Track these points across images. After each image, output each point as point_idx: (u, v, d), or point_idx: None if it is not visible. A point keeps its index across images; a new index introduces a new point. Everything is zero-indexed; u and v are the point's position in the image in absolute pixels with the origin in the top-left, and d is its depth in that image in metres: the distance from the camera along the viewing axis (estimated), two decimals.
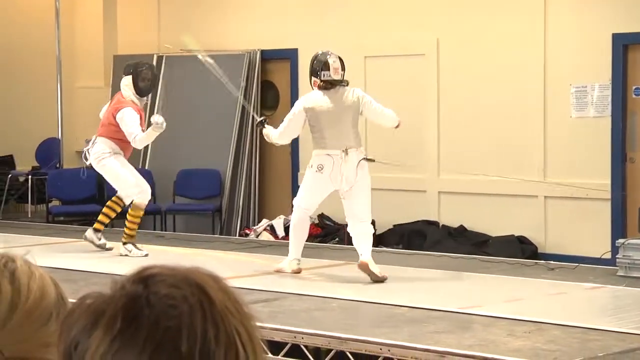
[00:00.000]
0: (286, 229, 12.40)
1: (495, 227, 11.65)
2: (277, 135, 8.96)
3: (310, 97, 8.73)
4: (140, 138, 9.86)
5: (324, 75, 8.65)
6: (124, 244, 9.94)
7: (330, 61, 8.68)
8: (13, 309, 1.39)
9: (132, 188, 9.96)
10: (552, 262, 9.78)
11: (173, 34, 14.04)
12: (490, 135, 11.71)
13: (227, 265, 9.11)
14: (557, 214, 11.39)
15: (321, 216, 12.53)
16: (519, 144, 11.53)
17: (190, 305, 1.18)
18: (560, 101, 11.26)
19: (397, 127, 8.93)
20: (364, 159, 8.61)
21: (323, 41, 12.76)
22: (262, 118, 9.42)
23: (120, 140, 9.94)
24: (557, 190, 11.24)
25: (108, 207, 10.21)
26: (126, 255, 9.86)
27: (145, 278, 1.21)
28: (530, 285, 8.44)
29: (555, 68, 11.30)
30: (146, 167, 13.78)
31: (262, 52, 13.34)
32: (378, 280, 8.38)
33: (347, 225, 11.94)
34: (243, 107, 13.01)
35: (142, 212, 10.07)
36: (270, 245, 11.13)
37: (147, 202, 10.08)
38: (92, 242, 10.21)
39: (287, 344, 6.63)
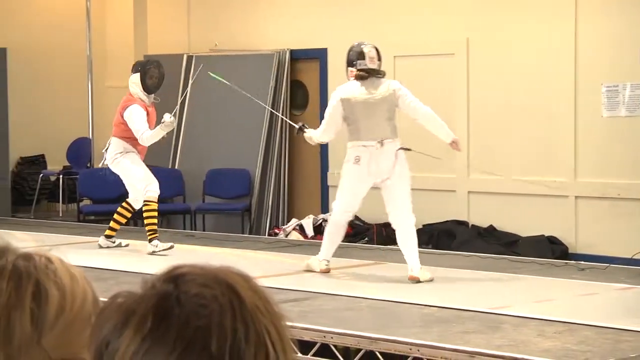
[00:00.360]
0: (315, 228, 12.43)
1: (525, 227, 11.59)
2: (319, 133, 8.91)
3: (346, 87, 8.66)
4: (147, 135, 9.95)
5: (359, 64, 8.57)
6: (150, 240, 10.05)
7: (365, 50, 8.63)
8: (60, 313, 1.39)
9: (140, 183, 10.09)
10: (582, 262, 9.73)
11: (203, 34, 14.11)
12: (521, 135, 11.66)
13: (257, 265, 9.12)
14: (588, 214, 11.32)
15: None
16: (550, 144, 11.47)
17: (220, 304, 1.18)
18: (591, 100, 11.19)
19: (451, 144, 8.78)
20: (400, 148, 8.52)
21: (352, 40, 12.67)
22: (299, 125, 9.29)
23: (131, 138, 10.05)
24: (588, 190, 11.19)
25: (118, 213, 10.39)
26: (153, 251, 9.95)
27: (175, 277, 1.21)
28: (561, 285, 8.39)
29: (586, 67, 11.24)
30: (176, 167, 13.84)
31: (292, 51, 13.33)
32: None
33: (376, 224, 12.11)
34: (273, 107, 13.01)
35: (155, 206, 10.14)
36: (300, 245, 11.12)
37: (156, 197, 10.11)
38: (107, 247, 10.39)
39: (316, 343, 6.63)
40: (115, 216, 10.42)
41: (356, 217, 12.46)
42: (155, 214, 10.18)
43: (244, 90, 10.36)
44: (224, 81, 10.52)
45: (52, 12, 14.87)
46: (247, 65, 13.00)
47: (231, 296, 1.19)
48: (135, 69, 10.25)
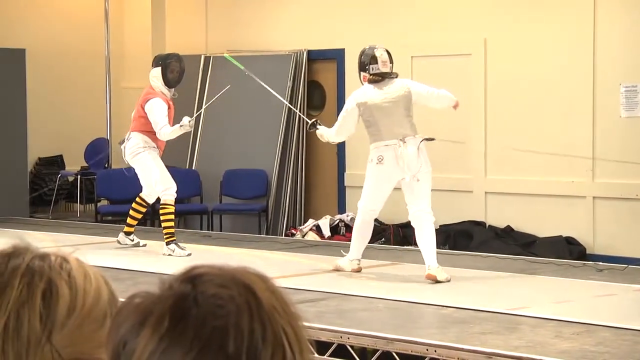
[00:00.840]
0: (332, 229, 12.44)
1: (542, 227, 11.56)
2: (333, 133, 8.99)
3: (361, 91, 8.75)
4: (165, 131, 9.88)
5: (372, 69, 8.67)
6: (167, 244, 9.98)
7: (377, 54, 8.73)
8: (71, 312, 1.38)
9: (157, 185, 10.04)
10: (600, 263, 9.68)
11: (221, 35, 14.13)
12: (538, 135, 11.62)
13: (274, 265, 9.12)
14: (606, 214, 11.28)
15: None
16: (568, 144, 11.43)
17: (237, 305, 1.18)
18: (609, 101, 11.15)
19: (455, 107, 8.90)
20: (424, 139, 8.60)
21: (369, 41, 12.66)
22: (313, 120, 9.41)
23: (151, 132, 9.99)
24: (606, 190, 11.15)
25: (133, 209, 10.39)
26: (169, 255, 9.90)
27: (193, 278, 1.21)
28: (579, 286, 8.36)
29: (604, 67, 11.20)
30: (193, 167, 13.86)
31: (309, 52, 13.34)
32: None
33: (393, 225, 12.11)
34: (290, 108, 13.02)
35: (172, 209, 10.09)
36: (316, 246, 11.11)
37: (173, 199, 10.08)
38: (125, 244, 10.42)
39: (333, 344, 6.63)
40: (131, 212, 10.44)
41: None
42: (172, 217, 10.12)
43: (262, 82, 10.35)
44: (242, 67, 10.52)
45: (70, 13, 14.92)
46: (264, 66, 12.99)
47: (248, 296, 1.19)
48: (155, 63, 10.18)
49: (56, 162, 14.94)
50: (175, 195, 10.11)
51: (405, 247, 11.23)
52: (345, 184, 13.10)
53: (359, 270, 8.85)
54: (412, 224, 8.75)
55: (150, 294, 1.22)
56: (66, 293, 1.38)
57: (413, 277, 8.58)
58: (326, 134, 9.04)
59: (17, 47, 13.71)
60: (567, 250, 11.07)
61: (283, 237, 12.60)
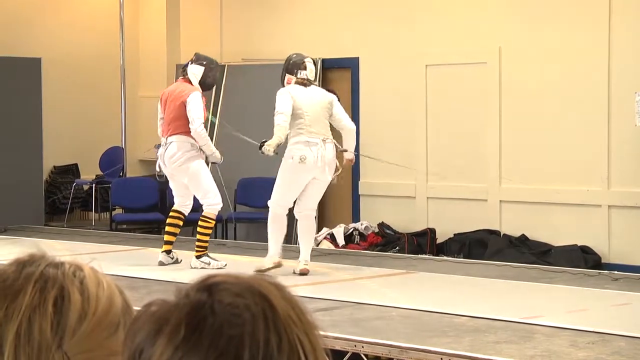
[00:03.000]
0: (346, 237, 12.40)
1: (557, 236, 11.52)
2: (281, 132, 9.00)
3: (292, 87, 9.17)
4: (203, 130, 9.21)
5: (300, 74, 9.17)
6: (199, 257, 9.49)
7: (307, 62, 9.24)
8: (82, 318, 1.38)
9: (208, 195, 9.43)
10: (616, 272, 9.62)
11: (235, 44, 14.12)
12: (553, 143, 11.59)
13: (287, 274, 9.05)
14: (621, 223, 11.23)
15: (381, 225, 12.50)
16: (583, 153, 11.40)
17: (253, 314, 1.18)
18: (624, 109, 11.10)
19: (351, 160, 9.39)
20: (336, 145, 9.12)
21: (384, 49, 12.77)
22: (260, 142, 9.21)
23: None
24: (621, 199, 11.11)
25: (170, 224, 9.67)
26: (203, 268, 9.29)
27: (209, 286, 1.21)
28: (594, 295, 8.31)
29: (619, 76, 11.16)
30: None
31: (323, 60, 13.31)
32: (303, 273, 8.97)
33: (407, 234, 12.08)
34: None
35: (213, 223, 9.66)
36: (331, 254, 11.07)
37: (216, 213, 9.60)
38: (168, 264, 9.75)
39: (347, 352, 6.61)
40: (168, 228, 9.68)
41: (387, 226, 12.46)
42: (211, 231, 9.67)
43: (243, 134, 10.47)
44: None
45: (85, 22, 14.92)
46: (278, 75, 12.96)
47: (264, 306, 1.19)
48: (199, 61, 9.52)
49: (71, 170, 14.94)
50: (220, 207, 9.60)
51: (419, 255, 11.21)
52: (360, 193, 13.06)
53: (279, 265, 9.05)
54: (297, 218, 9.24)
55: (166, 302, 1.22)
56: (78, 300, 1.38)
57: (427, 285, 8.55)
58: (273, 142, 9.00)
59: (33, 56, 13.73)
60: (582, 259, 11.02)
61: (297, 245, 12.54)
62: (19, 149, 13.48)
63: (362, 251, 11.57)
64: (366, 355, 6.63)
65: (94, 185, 14.53)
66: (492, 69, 12.02)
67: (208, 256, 9.54)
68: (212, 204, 9.50)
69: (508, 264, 9.95)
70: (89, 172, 14.87)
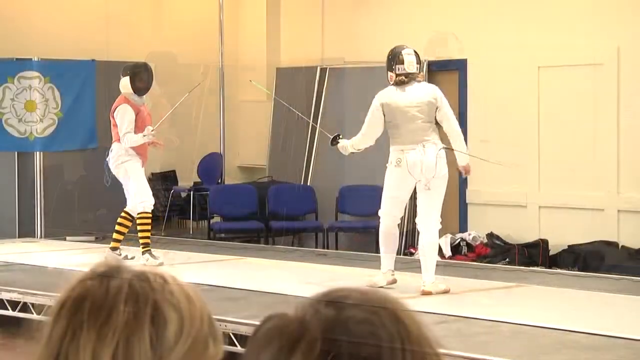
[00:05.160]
0: (453, 248, 12.12)
1: None
2: (359, 137, 8.98)
3: (385, 93, 8.80)
4: (129, 137, 10.13)
5: (398, 69, 8.70)
6: (143, 253, 10.34)
7: (404, 54, 8.70)
8: (178, 336, 1.38)
9: (135, 197, 10.31)
10: None
11: (337, 46, 13.94)
12: None
13: (392, 286, 8.85)
14: None
15: (490, 235, 12.24)
16: None
17: (389, 333, 1.21)
18: None
19: (464, 167, 8.95)
20: (444, 148, 8.65)
21: (493, 51, 12.38)
22: (335, 135, 9.36)
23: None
24: None
25: (119, 224, 10.51)
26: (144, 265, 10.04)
27: (337, 301, 1.23)
28: None
29: None
30: (308, 183, 13.70)
31: (430, 63, 12.95)
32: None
33: (518, 245, 11.76)
34: None
35: (149, 220, 10.44)
36: (437, 265, 10.68)
37: (150, 210, 10.41)
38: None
39: None
40: (117, 227, 10.55)
41: (496, 237, 12.12)
42: (150, 227, 10.47)
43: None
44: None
45: (184, 26, 14.96)
46: (381, 77, 12.61)
47: (398, 324, 1.23)
48: (124, 73, 10.43)
49: (169, 177, 14.88)
50: (152, 207, 10.45)
51: (530, 267, 10.92)
52: (467, 201, 12.80)
53: (394, 282, 8.80)
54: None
55: (291, 318, 1.24)
56: (174, 317, 1.38)
57: (539, 300, 8.34)
58: (350, 143, 9.04)
59: (132, 60, 13.66)
60: None
61: (401, 256, 12.21)
62: None
63: (470, 262, 11.40)
64: None
65: (192, 192, 14.39)
66: (609, 71, 11.57)
67: (150, 254, 10.35)
68: (142, 203, 10.35)
69: (627, 278, 9.65)
70: (187, 179, 14.89)
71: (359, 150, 9.21)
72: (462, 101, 12.77)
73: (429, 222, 8.69)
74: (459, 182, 12.88)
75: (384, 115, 8.68)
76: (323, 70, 13.88)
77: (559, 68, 11.93)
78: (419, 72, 8.84)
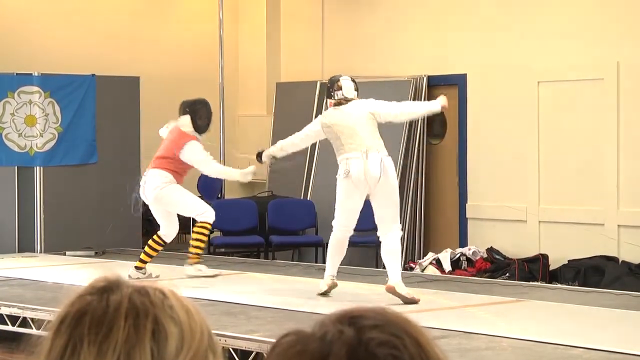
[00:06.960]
0: (453, 262, 12.11)
1: None
2: (289, 140, 9.42)
3: (327, 114, 9.20)
4: (216, 167, 10.40)
5: (337, 95, 9.09)
6: (191, 264, 10.35)
7: (342, 82, 9.11)
8: (179, 350, 1.37)
9: (196, 209, 10.30)
10: None
11: (337, 61, 13.90)
12: None
13: (393, 300, 8.75)
14: None
15: (490, 250, 12.19)
16: None
17: (411, 355, 1.22)
18: None
19: (443, 106, 9.23)
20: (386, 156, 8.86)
21: (492, 65, 12.37)
22: (258, 152, 9.80)
23: (175, 172, 10.16)
24: None
25: (149, 246, 10.39)
26: (195, 275, 10.20)
27: (353, 320, 1.24)
28: None
29: None
30: (308, 198, 13.64)
31: (429, 77, 12.95)
32: (408, 302, 8.58)
33: (518, 259, 11.71)
34: (408, 136, 12.69)
35: (208, 231, 10.44)
36: (437, 280, 10.74)
37: (211, 221, 10.34)
38: (137, 278, 10.18)
39: None
40: (147, 249, 10.43)
41: (496, 252, 12.08)
42: (207, 238, 10.43)
43: None
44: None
45: (184, 40, 14.93)
46: (382, 92, 12.61)
47: (417, 346, 1.24)
48: (183, 111, 10.36)
49: None
50: (214, 218, 10.34)
51: (531, 282, 10.92)
52: (467, 216, 12.72)
53: (334, 286, 9.04)
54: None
55: (308, 336, 1.23)
56: (174, 332, 1.38)
57: (540, 315, 8.28)
58: (280, 145, 9.52)
59: (131, 74, 13.65)
60: None
61: (402, 271, 12.17)
62: (116, 168, 13.50)
63: (470, 277, 11.34)
64: None
65: None
66: (609, 86, 11.55)
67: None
68: (204, 213, 10.33)
69: (627, 293, 9.59)
70: None
71: (287, 153, 9.58)
72: (462, 116, 12.77)
73: (386, 230, 9.04)
74: (459, 197, 12.90)
75: (326, 135, 9.07)
76: (323, 85, 13.85)
77: (558, 83, 11.92)
78: (357, 97, 9.13)
